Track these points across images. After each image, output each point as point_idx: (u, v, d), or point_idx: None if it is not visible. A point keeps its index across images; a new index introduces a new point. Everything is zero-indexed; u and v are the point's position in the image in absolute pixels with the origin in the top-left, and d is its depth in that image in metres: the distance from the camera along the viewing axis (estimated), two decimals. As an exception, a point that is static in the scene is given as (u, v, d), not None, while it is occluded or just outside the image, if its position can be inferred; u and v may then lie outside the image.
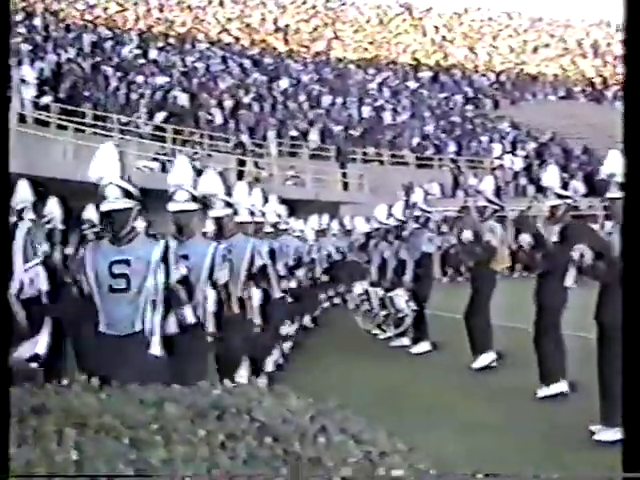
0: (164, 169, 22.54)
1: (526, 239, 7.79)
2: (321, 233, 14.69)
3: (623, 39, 2.88)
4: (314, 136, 29.85)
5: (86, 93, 25.06)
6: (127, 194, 4.86)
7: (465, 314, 9.36)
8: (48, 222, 8.93)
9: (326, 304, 15.29)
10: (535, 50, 43.34)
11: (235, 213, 7.07)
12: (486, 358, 9.10)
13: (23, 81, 22.99)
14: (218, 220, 6.80)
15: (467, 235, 9.68)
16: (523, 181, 30.99)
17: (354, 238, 16.68)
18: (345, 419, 2.80)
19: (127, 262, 4.81)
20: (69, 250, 8.46)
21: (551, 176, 8.26)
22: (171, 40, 33.56)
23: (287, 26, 39.42)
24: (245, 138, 27.70)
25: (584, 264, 6.08)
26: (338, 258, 15.58)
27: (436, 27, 43.63)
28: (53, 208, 8.23)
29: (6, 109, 2.32)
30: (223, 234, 6.66)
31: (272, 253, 7.86)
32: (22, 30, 27.57)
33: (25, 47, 25.85)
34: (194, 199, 5.69)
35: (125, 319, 4.79)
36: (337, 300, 15.97)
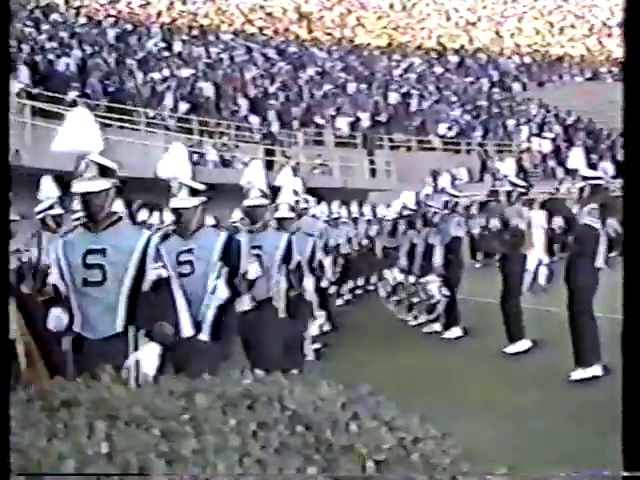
0: (190, 159, 22.52)
1: (558, 222, 7.71)
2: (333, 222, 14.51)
3: (623, 22, 2.78)
4: (343, 125, 29.77)
5: (111, 87, 25.15)
6: (193, 192, 5.15)
7: (500, 300, 9.31)
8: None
9: (357, 291, 15.24)
10: (561, 31, 42.86)
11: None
12: (521, 345, 9.04)
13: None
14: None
15: (495, 223, 9.63)
16: (552, 163, 30.73)
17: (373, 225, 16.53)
18: (377, 405, 2.77)
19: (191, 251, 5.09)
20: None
21: (576, 158, 8.19)
22: (195, 32, 33.60)
23: (310, 14, 39.32)
24: (273, 127, 27.70)
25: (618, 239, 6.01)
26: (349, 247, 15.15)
27: (456, 9, 43.25)
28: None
29: (6, 108, 2.31)
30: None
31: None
32: (46, 27, 27.73)
33: (50, 44, 26.01)
34: (264, 195, 6.43)
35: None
36: (369, 287, 15.86)
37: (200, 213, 5.20)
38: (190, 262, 5.08)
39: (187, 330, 4.64)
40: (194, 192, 5.16)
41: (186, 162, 5.25)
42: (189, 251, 5.08)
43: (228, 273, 5.11)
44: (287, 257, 6.52)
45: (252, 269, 5.76)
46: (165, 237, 5.23)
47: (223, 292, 5.06)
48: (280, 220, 7.24)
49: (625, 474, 2.62)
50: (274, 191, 7.18)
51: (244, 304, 5.73)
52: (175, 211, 5.20)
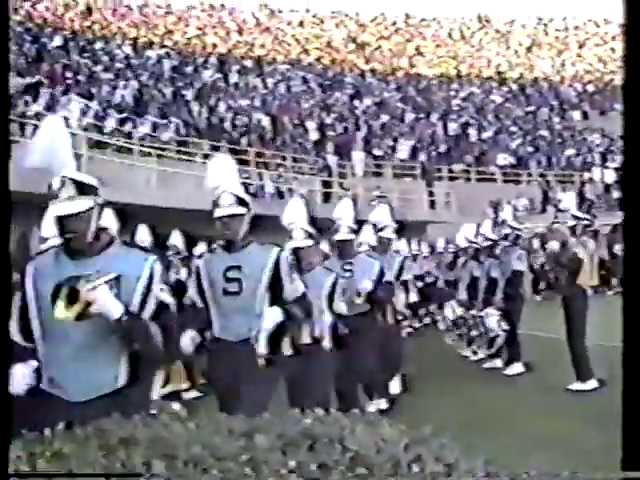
0: (247, 191, 22.58)
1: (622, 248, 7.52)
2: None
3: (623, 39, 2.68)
4: (401, 156, 29.69)
5: (168, 119, 25.35)
6: (241, 202, 5.00)
7: (567, 339, 9.16)
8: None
9: (416, 324, 15.06)
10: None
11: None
12: (588, 385, 8.84)
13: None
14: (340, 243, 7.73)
15: (554, 245, 9.49)
16: (616, 194, 30.10)
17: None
18: (440, 447, 2.67)
19: (239, 268, 4.92)
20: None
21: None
22: (251, 63, 33.80)
23: (368, 44, 39.41)
24: (331, 159, 27.69)
25: None
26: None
27: (515, 37, 42.92)
28: (143, 235, 8.37)
29: (6, 117, 2.30)
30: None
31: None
32: (104, 58, 28.12)
33: (105, 75, 26.35)
34: (309, 235, 6.25)
35: (240, 325, 4.88)
36: (427, 320, 15.69)
37: (246, 226, 5.02)
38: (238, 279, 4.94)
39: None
40: (241, 202, 4.98)
41: (233, 171, 5.17)
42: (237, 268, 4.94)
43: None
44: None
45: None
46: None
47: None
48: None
49: (625, 474, 2.51)
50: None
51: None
52: (220, 220, 4.95)
